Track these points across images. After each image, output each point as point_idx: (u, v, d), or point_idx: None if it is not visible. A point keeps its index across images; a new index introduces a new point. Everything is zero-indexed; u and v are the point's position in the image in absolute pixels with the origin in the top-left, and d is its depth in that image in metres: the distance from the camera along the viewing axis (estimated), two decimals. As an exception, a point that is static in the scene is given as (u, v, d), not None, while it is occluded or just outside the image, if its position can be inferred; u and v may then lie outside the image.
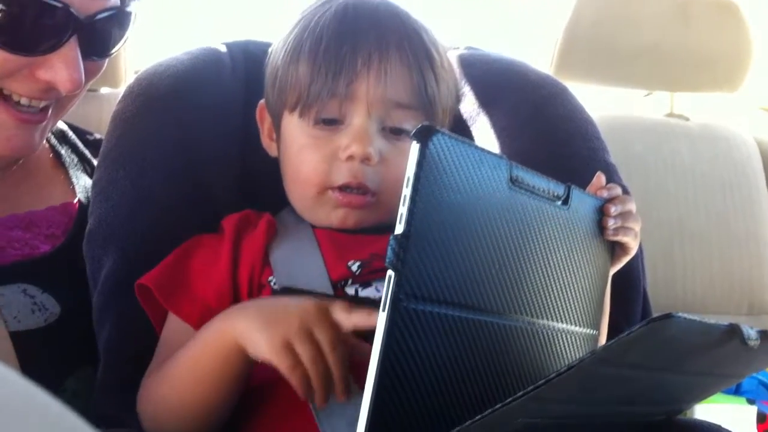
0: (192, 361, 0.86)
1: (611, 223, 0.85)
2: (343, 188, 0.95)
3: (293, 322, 0.78)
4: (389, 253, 0.61)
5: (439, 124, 0.99)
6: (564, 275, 0.78)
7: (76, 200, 1.15)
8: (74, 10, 0.95)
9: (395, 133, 0.97)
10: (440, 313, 0.64)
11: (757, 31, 1.93)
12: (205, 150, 1.09)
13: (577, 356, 0.80)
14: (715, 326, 0.62)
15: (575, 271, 0.80)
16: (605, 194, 0.87)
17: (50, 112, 1.04)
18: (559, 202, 0.77)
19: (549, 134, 1.15)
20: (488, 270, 0.69)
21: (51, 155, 1.18)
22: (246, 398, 0.88)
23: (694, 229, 1.83)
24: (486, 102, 1.19)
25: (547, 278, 0.76)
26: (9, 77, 0.97)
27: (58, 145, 1.20)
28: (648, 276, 1.13)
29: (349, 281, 0.93)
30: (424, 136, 0.62)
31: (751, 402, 1.04)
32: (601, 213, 0.85)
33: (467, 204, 0.67)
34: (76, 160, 1.21)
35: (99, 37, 1.02)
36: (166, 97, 1.09)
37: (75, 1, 0.96)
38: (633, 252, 0.90)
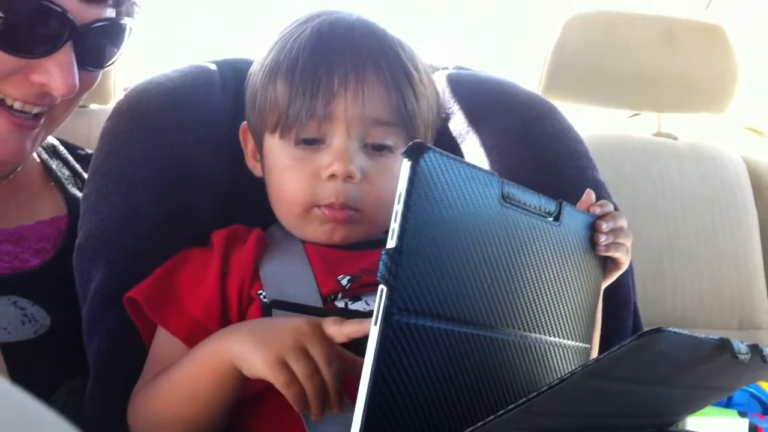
0: (185, 380, 0.86)
1: (603, 239, 0.86)
2: (327, 206, 0.96)
3: (287, 340, 0.78)
4: (381, 267, 0.62)
5: (421, 139, 1.00)
6: (556, 290, 0.79)
7: (66, 214, 1.15)
8: (71, 16, 0.97)
9: (377, 149, 0.97)
10: (432, 326, 0.64)
11: (741, 52, 1.95)
12: (194, 167, 1.10)
13: (569, 370, 0.80)
14: (705, 340, 0.62)
15: (567, 286, 0.81)
16: (597, 211, 0.87)
17: (43, 119, 1.05)
18: (551, 219, 0.78)
19: (538, 153, 1.15)
20: (480, 284, 0.69)
21: (42, 169, 1.18)
22: (238, 408, 0.88)
23: (683, 247, 1.84)
24: (475, 121, 1.19)
25: (539, 293, 0.76)
26: (3, 79, 0.98)
27: (49, 159, 1.20)
28: (638, 293, 1.14)
29: (339, 295, 0.93)
30: (415, 153, 0.63)
31: (742, 415, 1.04)
32: (593, 229, 0.86)
33: (459, 220, 0.67)
34: (67, 174, 1.21)
35: (94, 47, 1.03)
36: (156, 114, 1.10)
37: (72, 8, 0.97)
38: (624, 267, 0.91)
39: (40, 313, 1.04)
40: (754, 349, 0.66)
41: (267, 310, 0.91)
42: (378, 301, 0.61)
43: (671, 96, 1.98)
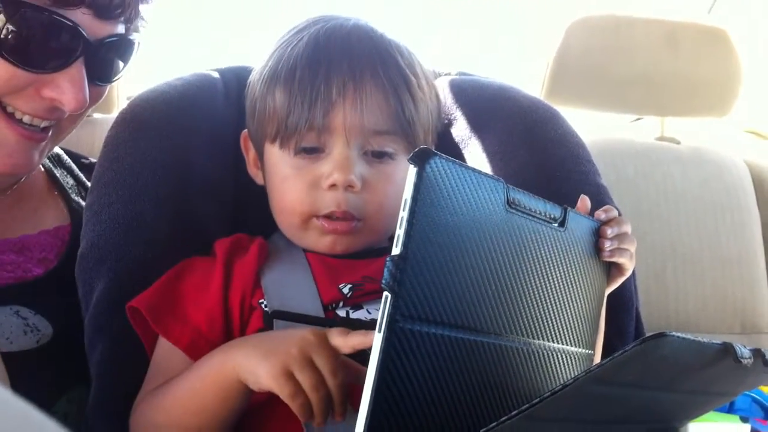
0: (190, 393, 0.87)
1: (607, 245, 0.85)
2: (328, 216, 0.96)
3: (293, 350, 0.78)
4: (386, 274, 0.61)
5: (421, 145, 1.00)
6: (560, 296, 0.79)
7: (69, 223, 1.15)
8: (84, 32, 0.97)
9: (377, 156, 0.97)
10: (436, 333, 0.64)
11: (744, 56, 1.95)
12: (197, 175, 1.10)
13: (573, 376, 0.80)
14: (708, 345, 0.62)
15: (571, 291, 0.81)
16: (602, 216, 0.87)
17: (51, 132, 1.05)
18: (556, 224, 0.78)
19: (541, 158, 1.15)
20: (485, 291, 0.69)
21: (46, 178, 1.19)
22: (243, 415, 0.88)
23: (686, 252, 1.83)
24: (478, 126, 1.19)
25: (543, 299, 0.76)
26: (14, 94, 0.98)
27: (53, 168, 1.21)
28: (641, 298, 1.14)
29: (341, 304, 0.93)
30: (421, 159, 0.63)
31: (744, 420, 1.04)
32: (597, 235, 0.86)
33: (464, 226, 0.67)
34: (71, 183, 1.21)
35: (104, 62, 1.04)
36: (159, 122, 1.10)
37: (86, 24, 0.97)
38: (628, 273, 0.91)
39: (42, 323, 1.04)
40: (757, 353, 0.66)
41: (268, 319, 0.91)
42: (382, 308, 0.61)
43: (674, 100, 1.97)
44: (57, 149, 1.22)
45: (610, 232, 0.86)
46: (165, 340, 0.94)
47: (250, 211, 1.09)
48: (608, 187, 1.16)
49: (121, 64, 1.08)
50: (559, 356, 0.79)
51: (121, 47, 1.06)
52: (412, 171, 0.62)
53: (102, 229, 1.03)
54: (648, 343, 0.57)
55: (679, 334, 0.58)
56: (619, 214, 0.90)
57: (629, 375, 0.62)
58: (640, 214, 1.79)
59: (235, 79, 1.20)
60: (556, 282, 0.78)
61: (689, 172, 1.91)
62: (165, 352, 0.94)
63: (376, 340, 0.61)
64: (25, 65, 0.96)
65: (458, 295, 0.66)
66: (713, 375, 0.69)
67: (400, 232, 0.62)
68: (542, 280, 0.76)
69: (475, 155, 1.17)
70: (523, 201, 0.73)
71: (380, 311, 0.61)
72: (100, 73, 1.05)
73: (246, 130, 1.08)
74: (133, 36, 1.07)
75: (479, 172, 0.69)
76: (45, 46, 0.97)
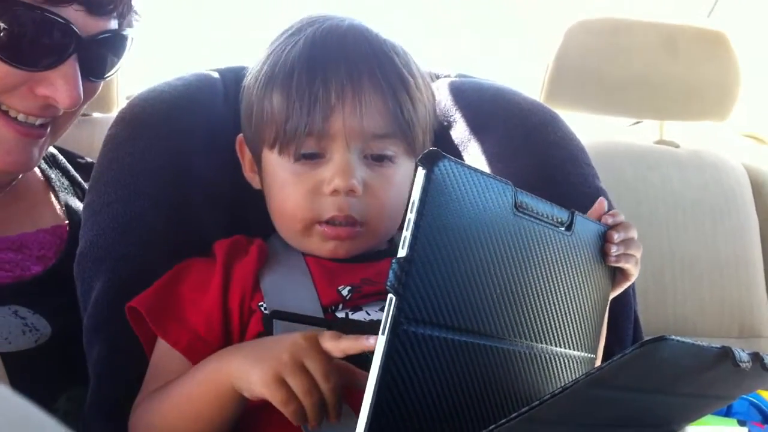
0: (187, 399, 0.87)
1: (614, 250, 0.85)
2: (330, 221, 0.96)
3: (283, 356, 0.78)
4: (391, 275, 0.61)
5: (420, 146, 1.00)
6: (565, 300, 0.79)
7: (66, 223, 1.15)
8: (76, 29, 0.97)
9: (377, 159, 0.97)
10: (439, 336, 0.64)
11: (743, 60, 1.95)
12: (196, 176, 1.10)
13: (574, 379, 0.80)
14: (707, 348, 0.62)
15: (576, 295, 0.80)
16: (609, 220, 0.87)
17: (48, 129, 1.05)
18: (563, 228, 0.77)
19: (540, 160, 1.16)
20: (490, 294, 0.69)
21: (41, 178, 1.19)
22: (240, 419, 0.88)
23: (685, 255, 1.83)
24: (477, 129, 1.19)
25: (547, 303, 0.76)
26: (8, 92, 0.98)
27: (48, 168, 1.20)
28: (639, 301, 1.14)
29: (340, 306, 0.93)
30: (429, 161, 0.62)
31: (742, 423, 1.04)
32: (604, 239, 0.85)
33: (471, 229, 0.67)
34: (66, 183, 1.21)
35: (98, 58, 1.04)
36: (159, 122, 1.10)
37: (78, 20, 0.97)
38: (633, 278, 0.91)
39: (40, 322, 1.03)
40: (755, 357, 0.66)
41: (268, 321, 0.91)
42: (386, 309, 0.61)
43: (673, 103, 1.97)
44: (52, 149, 1.22)
45: (617, 236, 0.85)
46: (164, 341, 0.94)
47: (249, 212, 1.09)
48: (607, 190, 1.16)
49: (114, 59, 1.07)
50: (562, 360, 0.79)
51: (115, 43, 1.05)
52: (420, 173, 0.62)
53: (101, 228, 1.03)
54: (647, 347, 0.57)
55: (678, 338, 0.58)
56: None
57: (628, 378, 0.62)
58: (639, 218, 1.79)
59: (235, 80, 1.20)
60: (561, 285, 0.78)
61: (688, 175, 1.91)
62: (163, 353, 0.94)
63: (379, 342, 0.61)
64: (18, 63, 0.96)
65: (462, 298, 0.66)
66: (712, 378, 0.69)
67: (406, 234, 0.62)
68: (547, 284, 0.76)
69: (475, 157, 1.18)
70: (531, 204, 0.73)
71: (384, 313, 0.61)
72: (94, 70, 1.04)
73: (241, 134, 1.07)
74: (127, 31, 1.07)
75: (487, 174, 0.69)
76: (37, 44, 0.96)
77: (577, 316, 0.81)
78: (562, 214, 0.77)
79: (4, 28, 0.93)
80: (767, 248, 1.91)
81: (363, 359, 0.74)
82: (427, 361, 0.63)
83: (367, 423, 0.60)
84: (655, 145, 2.02)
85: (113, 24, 1.03)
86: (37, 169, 1.18)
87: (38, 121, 1.02)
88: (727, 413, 1.07)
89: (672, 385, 0.69)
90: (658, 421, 0.78)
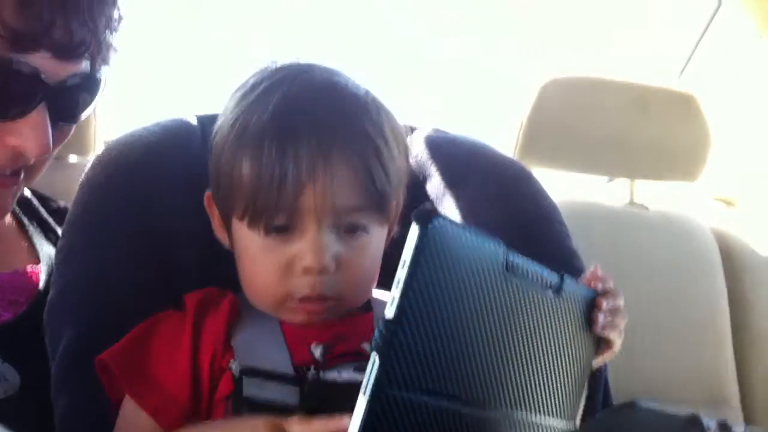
0: None
1: (601, 318, 0.84)
2: (301, 299, 0.93)
3: None
4: (376, 335, 0.60)
5: (393, 212, 0.99)
6: (548, 365, 0.77)
7: (38, 268, 1.13)
8: (44, 77, 0.94)
9: (350, 230, 0.94)
10: (420, 401, 0.63)
11: (713, 122, 1.99)
12: (171, 223, 1.09)
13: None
14: (675, 418, 0.63)
15: (559, 361, 0.79)
16: (599, 287, 0.86)
17: (21, 175, 1.03)
18: (551, 291, 0.77)
19: (514, 215, 1.16)
20: (473, 358, 0.68)
21: (13, 222, 1.17)
22: None
23: (654, 319, 1.83)
24: (452, 182, 1.20)
25: (531, 367, 0.75)
26: None
27: (20, 213, 1.19)
28: (608, 364, 1.14)
29: (312, 367, 0.91)
30: (423, 220, 0.62)
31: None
32: (591, 305, 0.84)
33: (460, 289, 0.66)
34: (38, 228, 1.20)
35: (68, 103, 1.01)
36: (136, 167, 1.09)
37: (46, 67, 0.94)
38: (616, 348, 0.89)
39: (9, 372, 1.01)
40: (723, 426, 0.66)
41: (238, 382, 0.89)
42: (369, 370, 0.60)
43: (644, 163, 2.00)
44: (26, 191, 1.20)
45: (605, 304, 0.84)
46: (132, 401, 0.92)
47: (223, 261, 1.08)
48: (578, 249, 1.17)
49: (88, 100, 1.04)
50: (540, 429, 0.78)
51: (87, 85, 1.02)
52: (413, 231, 0.62)
53: (72, 275, 1.02)
54: (617, 413, 0.58)
55: (647, 405, 0.59)
56: None
57: (598, 445, 0.62)
58: (608, 279, 1.80)
59: (213, 126, 1.20)
60: (545, 350, 0.76)
61: (658, 237, 1.93)
62: (131, 412, 0.92)
63: (360, 403, 0.60)
64: None
65: (447, 363, 0.65)
66: (681, 446, 0.69)
67: (395, 293, 0.61)
68: (532, 348, 0.74)
69: (449, 210, 1.18)
70: (522, 265, 0.72)
71: (366, 373, 0.60)
72: (65, 115, 1.01)
73: (209, 191, 1.03)
74: (100, 72, 1.03)
75: (479, 234, 0.68)
76: (4, 95, 0.93)
77: (559, 383, 0.79)
78: (552, 277, 0.77)
79: None
80: (735, 313, 1.92)
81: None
82: (406, 426, 0.62)
83: None
84: (625, 206, 2.05)
85: (85, 66, 1.00)
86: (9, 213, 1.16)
87: (8, 171, 1.00)
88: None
89: (641, 452, 0.69)
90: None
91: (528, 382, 0.75)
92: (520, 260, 0.72)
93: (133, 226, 1.06)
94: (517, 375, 0.73)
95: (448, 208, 1.19)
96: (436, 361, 0.64)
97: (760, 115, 2.23)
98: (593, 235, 1.86)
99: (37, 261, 1.14)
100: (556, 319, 0.78)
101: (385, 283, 0.95)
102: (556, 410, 0.80)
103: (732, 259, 1.97)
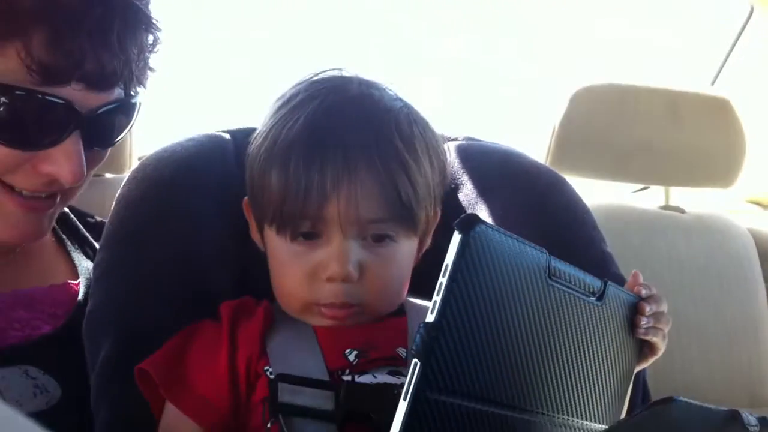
0: None
1: (644, 322, 0.84)
2: (327, 305, 0.95)
3: None
4: (417, 340, 0.61)
5: (422, 223, 0.99)
6: (590, 371, 0.77)
7: (77, 281, 1.15)
8: (77, 106, 0.95)
9: (377, 239, 0.95)
10: (461, 405, 0.63)
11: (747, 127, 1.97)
12: (206, 236, 1.10)
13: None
14: (716, 411, 0.62)
15: (602, 367, 0.79)
16: (642, 292, 0.86)
17: (58, 198, 1.04)
18: (594, 298, 0.76)
19: (547, 222, 1.16)
20: (515, 364, 0.68)
21: (52, 237, 1.19)
22: None
23: (692, 321, 1.82)
24: (484, 191, 1.20)
25: (573, 373, 0.74)
26: (11, 172, 0.97)
27: (58, 228, 1.20)
28: (647, 369, 1.13)
29: (347, 370, 0.93)
30: (466, 227, 0.62)
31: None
32: (634, 311, 0.84)
33: (502, 296, 0.66)
34: (76, 243, 1.21)
35: (102, 129, 1.02)
36: (170, 182, 1.11)
37: (77, 98, 0.95)
38: (660, 353, 0.89)
39: (51, 383, 1.02)
40: (764, 421, 0.66)
41: (273, 386, 0.90)
42: (410, 375, 0.61)
43: (678, 170, 1.99)
44: (64, 208, 1.22)
45: (648, 309, 0.84)
46: (173, 406, 0.94)
47: (258, 272, 1.09)
48: (613, 254, 1.17)
49: (123, 125, 1.06)
50: None
51: (122, 110, 1.03)
52: (456, 238, 0.62)
53: (110, 288, 1.04)
54: (656, 408, 0.57)
55: (686, 400, 0.59)
56: None
57: (637, 441, 0.62)
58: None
59: (246, 141, 1.21)
60: (588, 356, 0.76)
61: (693, 241, 1.92)
62: (173, 418, 0.94)
63: (401, 408, 0.60)
64: (18, 145, 0.94)
65: (487, 367, 0.65)
66: (721, 443, 0.68)
67: (437, 299, 0.61)
68: (575, 354, 0.74)
69: (482, 218, 1.18)
70: (565, 272, 0.72)
71: (407, 378, 0.61)
72: (99, 141, 1.03)
73: (247, 197, 1.06)
74: (135, 96, 1.05)
75: (522, 241, 0.68)
76: (36, 125, 0.94)
77: (601, 388, 0.79)
78: (595, 283, 0.77)
79: (1, 113, 0.92)
80: (774, 314, 1.89)
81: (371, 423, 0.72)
82: (446, 430, 0.62)
83: None
84: (660, 210, 2.03)
85: (118, 93, 1.01)
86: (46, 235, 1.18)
87: (44, 195, 1.02)
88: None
89: (680, 448, 0.68)
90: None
91: (570, 387, 0.74)
92: (563, 267, 0.72)
93: (167, 240, 1.07)
94: (560, 380, 0.73)
95: (482, 216, 1.19)
96: (476, 365, 0.64)
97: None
98: (629, 239, 1.85)
99: (76, 275, 1.16)
100: (599, 325, 0.77)
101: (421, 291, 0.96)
102: (599, 414, 0.80)
103: (770, 259, 1.95)
